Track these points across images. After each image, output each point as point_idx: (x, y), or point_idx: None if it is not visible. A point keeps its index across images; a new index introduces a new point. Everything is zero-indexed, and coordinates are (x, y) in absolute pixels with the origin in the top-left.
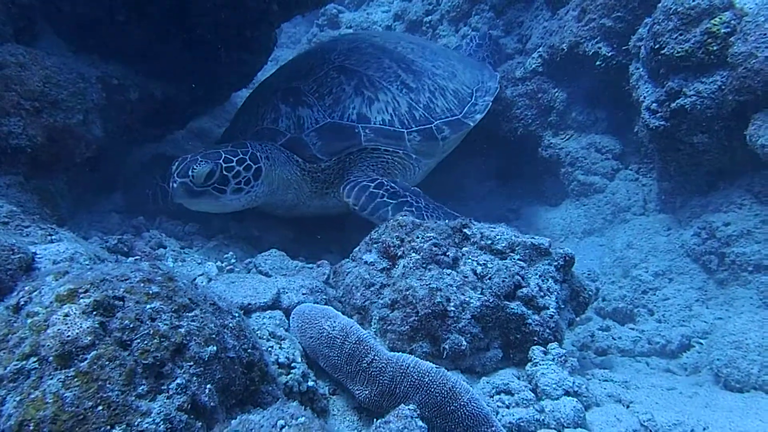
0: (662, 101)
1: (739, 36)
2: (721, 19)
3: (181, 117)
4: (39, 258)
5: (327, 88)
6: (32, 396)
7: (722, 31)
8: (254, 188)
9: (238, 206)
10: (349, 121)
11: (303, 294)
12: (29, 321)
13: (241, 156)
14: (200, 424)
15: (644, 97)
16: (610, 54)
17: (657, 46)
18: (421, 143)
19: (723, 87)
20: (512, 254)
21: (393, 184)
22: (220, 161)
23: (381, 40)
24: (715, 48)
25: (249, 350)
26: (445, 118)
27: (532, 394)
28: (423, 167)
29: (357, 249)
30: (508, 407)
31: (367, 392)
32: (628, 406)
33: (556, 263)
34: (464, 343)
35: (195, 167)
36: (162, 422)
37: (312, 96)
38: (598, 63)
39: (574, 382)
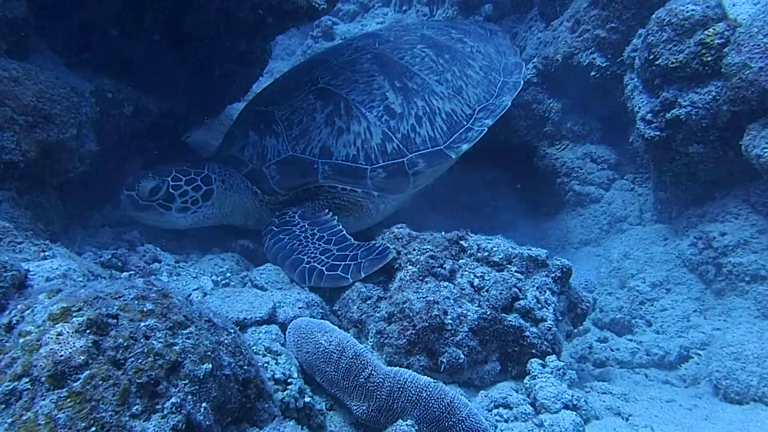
0: (657, 111)
1: (733, 47)
2: (714, 30)
3: (175, 130)
4: (32, 275)
5: (299, 116)
6: (24, 418)
7: (716, 41)
8: (201, 209)
9: (186, 225)
10: (310, 155)
11: (299, 308)
12: (21, 341)
13: (193, 176)
14: None
15: (639, 108)
16: (604, 64)
17: (651, 56)
18: (386, 180)
19: (718, 97)
20: (509, 266)
21: (296, 217)
22: (168, 179)
23: (392, 46)
24: (709, 59)
25: (245, 367)
26: (423, 150)
27: (531, 408)
28: (391, 203)
29: None
30: (506, 421)
31: (364, 408)
32: (627, 419)
33: (553, 275)
34: (462, 356)
35: (142, 181)
36: None
37: (282, 124)
38: (592, 73)
39: (573, 395)
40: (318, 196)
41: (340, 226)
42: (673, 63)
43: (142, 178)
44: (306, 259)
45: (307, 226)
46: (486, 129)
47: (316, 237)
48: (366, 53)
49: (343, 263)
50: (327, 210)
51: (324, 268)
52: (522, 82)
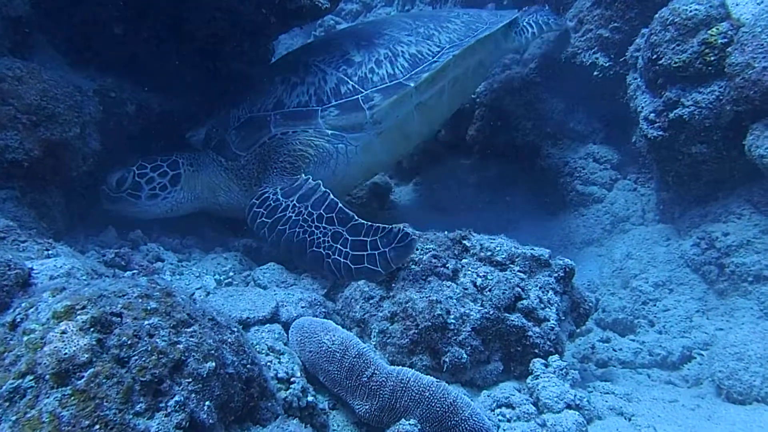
0: (660, 111)
1: (736, 46)
2: (718, 29)
3: (178, 129)
4: (36, 273)
5: (260, 87)
6: (28, 415)
7: (719, 41)
8: (171, 194)
9: (160, 212)
10: (264, 111)
11: (302, 307)
12: (26, 338)
13: (158, 163)
14: None
15: (642, 107)
16: (607, 64)
17: (654, 56)
18: (340, 116)
19: (721, 97)
20: (512, 266)
21: (279, 196)
22: (134, 168)
23: (375, 22)
24: (712, 58)
25: (248, 366)
26: (380, 85)
27: (534, 408)
28: (352, 143)
29: None
30: (509, 421)
31: (367, 407)
32: (630, 420)
33: (556, 275)
34: (464, 356)
35: (109, 175)
36: None
37: (247, 96)
38: (595, 73)
39: (575, 395)
40: (273, 152)
41: (327, 192)
42: (676, 63)
43: (109, 172)
44: (324, 252)
45: (297, 205)
46: (451, 57)
47: (315, 217)
48: (341, 33)
49: (365, 253)
50: (294, 172)
51: (348, 261)
52: (507, 21)
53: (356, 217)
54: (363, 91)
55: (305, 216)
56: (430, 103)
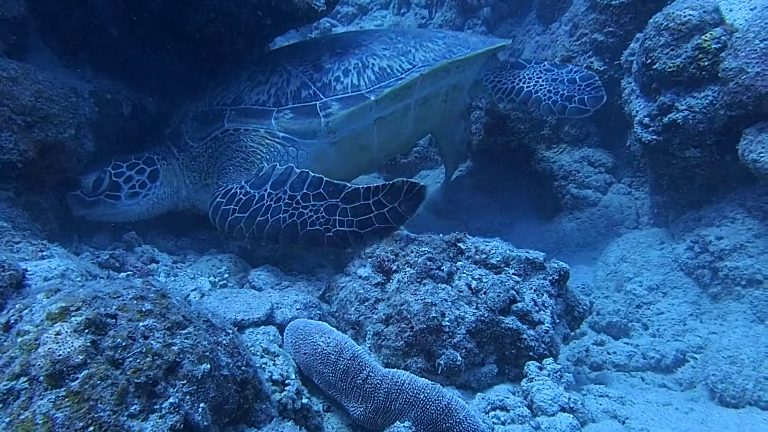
0: (654, 115)
1: (730, 51)
2: (711, 34)
3: None
4: (30, 275)
5: (228, 81)
6: (22, 417)
7: (713, 46)
8: (152, 191)
9: (142, 211)
10: (222, 105)
11: (297, 309)
12: (20, 340)
13: (134, 161)
14: None
15: (636, 112)
16: (602, 68)
17: (649, 61)
18: (294, 120)
19: (714, 102)
20: (507, 269)
21: (248, 188)
22: (108, 168)
23: (357, 33)
24: (706, 63)
25: (243, 367)
26: (341, 94)
27: (528, 410)
28: (304, 149)
29: (351, 263)
30: (503, 424)
31: (361, 409)
32: (624, 423)
33: (550, 278)
34: (459, 358)
35: (83, 177)
36: None
37: (211, 89)
38: None
39: (569, 398)
40: (225, 147)
41: (305, 171)
42: (670, 67)
43: (83, 175)
44: (322, 229)
45: (273, 193)
46: (418, 75)
47: (299, 197)
48: (325, 38)
49: (371, 214)
50: (250, 168)
51: (355, 228)
52: (487, 48)
53: (348, 185)
54: (323, 98)
55: (286, 200)
56: (392, 119)
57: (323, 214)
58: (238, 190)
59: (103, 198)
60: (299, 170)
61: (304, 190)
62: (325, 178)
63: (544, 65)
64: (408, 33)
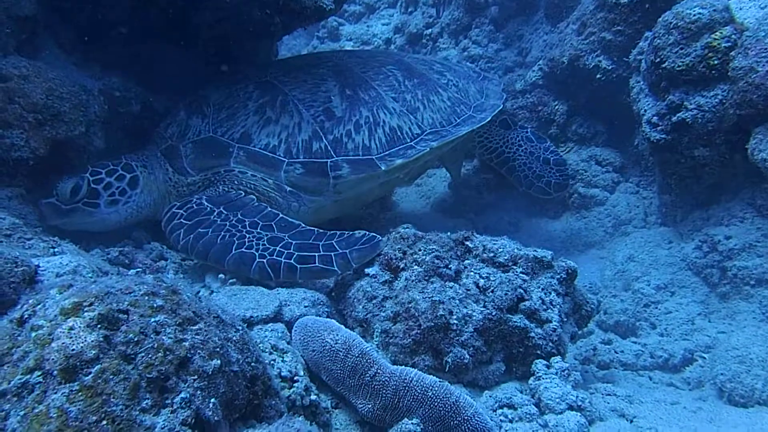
0: (663, 115)
1: (740, 50)
2: (721, 33)
3: None
4: (42, 271)
5: (232, 102)
6: (36, 410)
7: (723, 45)
8: (132, 198)
9: (121, 219)
10: (229, 139)
11: (305, 306)
12: (33, 334)
13: (112, 167)
14: None
15: (645, 111)
16: (610, 67)
17: (658, 59)
18: (303, 177)
19: (724, 101)
20: (515, 267)
21: (204, 201)
22: (86, 175)
23: (360, 61)
24: (715, 62)
25: (252, 364)
26: (352, 156)
27: (536, 409)
28: (306, 204)
29: None
30: (511, 421)
31: (370, 406)
32: (631, 421)
33: (558, 276)
34: (467, 356)
35: (59, 184)
36: None
37: (213, 107)
38: (598, 76)
39: (577, 397)
40: (226, 181)
41: (264, 205)
42: (679, 66)
43: (59, 182)
44: (258, 254)
45: (225, 212)
46: (428, 149)
47: (247, 224)
48: (329, 62)
49: (316, 254)
50: (234, 192)
51: (293, 261)
52: (489, 119)
53: (303, 225)
54: (334, 156)
55: (234, 222)
56: (394, 179)
57: (265, 243)
58: (194, 200)
59: (81, 206)
60: (267, 207)
61: (255, 219)
62: (280, 215)
63: (527, 132)
64: (413, 71)
